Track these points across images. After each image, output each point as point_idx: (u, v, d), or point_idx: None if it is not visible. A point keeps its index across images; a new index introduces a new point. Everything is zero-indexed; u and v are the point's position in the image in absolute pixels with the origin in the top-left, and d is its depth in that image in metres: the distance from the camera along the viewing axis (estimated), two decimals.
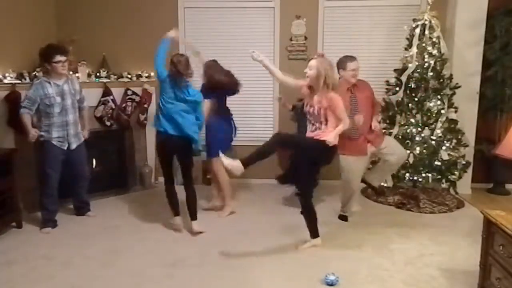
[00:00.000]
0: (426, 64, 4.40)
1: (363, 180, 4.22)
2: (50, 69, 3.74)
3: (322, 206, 4.46)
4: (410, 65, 4.43)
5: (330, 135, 3.18)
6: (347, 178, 3.97)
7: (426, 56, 4.42)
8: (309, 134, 3.37)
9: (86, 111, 4.19)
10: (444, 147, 4.40)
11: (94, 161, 4.88)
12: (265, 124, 5.25)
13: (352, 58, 3.81)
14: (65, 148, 3.87)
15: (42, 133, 3.76)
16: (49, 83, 3.74)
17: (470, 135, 4.82)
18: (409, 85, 4.47)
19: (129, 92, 4.93)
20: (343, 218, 4.12)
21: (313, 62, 3.26)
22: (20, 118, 3.71)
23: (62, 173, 3.91)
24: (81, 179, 4.14)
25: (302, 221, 3.55)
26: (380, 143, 4.00)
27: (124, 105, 4.90)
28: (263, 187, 5.12)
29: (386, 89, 4.75)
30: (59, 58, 3.71)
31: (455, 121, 4.54)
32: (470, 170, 4.80)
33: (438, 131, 4.41)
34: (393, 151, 4.04)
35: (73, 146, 3.93)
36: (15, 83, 4.08)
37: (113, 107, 4.78)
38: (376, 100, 4.11)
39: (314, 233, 3.50)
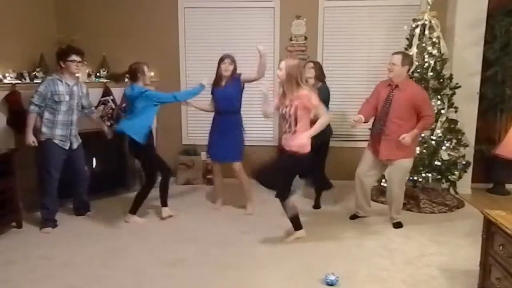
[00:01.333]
0: (426, 64, 4.40)
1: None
2: (64, 67, 3.79)
3: (326, 206, 4.47)
4: None
5: (302, 137, 3.26)
6: (403, 182, 3.89)
7: (426, 56, 4.42)
8: (282, 140, 3.45)
9: (95, 116, 4.33)
10: (444, 147, 4.39)
11: (94, 161, 4.88)
12: (265, 124, 5.24)
13: (394, 53, 3.77)
14: (67, 147, 3.88)
15: (44, 130, 3.77)
16: (61, 81, 3.79)
17: (470, 135, 4.82)
18: None
19: None
20: (399, 225, 3.95)
21: (282, 63, 3.32)
22: (26, 115, 3.74)
23: (62, 173, 3.91)
24: (81, 179, 4.14)
25: (302, 221, 3.55)
26: (386, 156, 3.74)
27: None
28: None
29: None
30: (74, 57, 3.79)
31: (455, 121, 4.54)
32: (470, 170, 4.80)
33: (438, 131, 4.41)
34: (389, 183, 3.92)
35: (75, 146, 3.96)
36: (15, 83, 4.09)
37: (113, 107, 4.78)
38: (426, 113, 3.63)
39: (297, 226, 3.59)
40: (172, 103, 4.11)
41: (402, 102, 3.64)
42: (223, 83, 4.06)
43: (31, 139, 3.73)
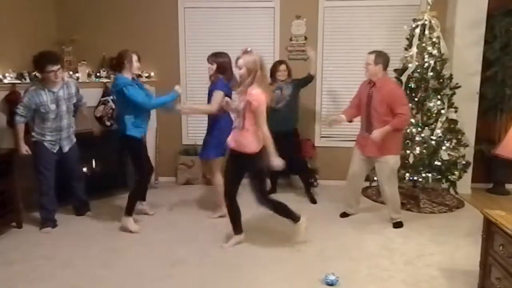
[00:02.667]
0: (426, 64, 4.40)
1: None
2: (43, 78, 3.70)
3: (325, 206, 4.47)
4: (410, 65, 4.42)
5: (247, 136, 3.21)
6: (392, 180, 3.87)
7: (426, 56, 4.41)
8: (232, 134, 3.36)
9: (85, 108, 4.16)
10: (444, 147, 4.39)
11: (94, 161, 4.87)
12: None
13: (369, 52, 3.82)
14: (55, 151, 3.85)
15: (34, 134, 3.75)
16: (44, 90, 3.67)
17: (470, 135, 4.82)
18: (409, 85, 4.47)
19: None
20: (399, 225, 3.96)
21: (240, 61, 3.22)
22: (14, 126, 3.69)
23: (57, 174, 3.90)
24: (76, 179, 4.14)
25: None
26: (371, 152, 3.81)
27: None
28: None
29: None
30: (51, 68, 3.60)
31: (455, 121, 4.53)
32: (470, 170, 4.80)
33: (438, 131, 4.40)
34: (379, 183, 3.98)
35: (66, 149, 3.91)
36: (15, 83, 4.08)
37: (113, 107, 4.77)
38: (398, 111, 3.63)
39: (237, 230, 3.54)
40: (144, 107, 3.75)
41: (379, 99, 3.72)
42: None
43: (24, 149, 3.70)
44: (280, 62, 4.62)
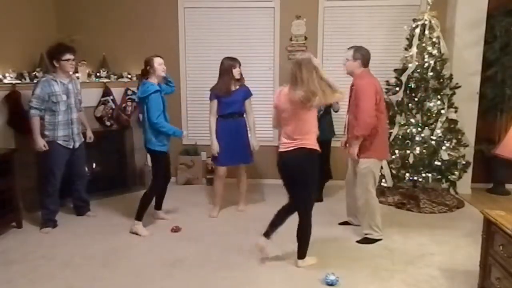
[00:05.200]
0: (426, 64, 4.40)
1: None
2: (58, 66, 3.74)
3: (325, 206, 4.47)
4: (410, 65, 4.43)
5: None
6: (366, 188, 3.49)
7: (426, 56, 4.42)
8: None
9: (83, 113, 4.18)
10: (444, 147, 4.39)
11: (94, 161, 4.88)
12: (265, 124, 5.23)
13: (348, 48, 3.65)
14: (71, 147, 3.88)
15: (47, 133, 3.76)
16: (55, 81, 3.74)
17: (470, 135, 4.82)
18: (409, 85, 4.47)
19: (129, 92, 4.93)
20: (368, 241, 3.57)
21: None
22: (30, 121, 3.67)
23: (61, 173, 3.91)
24: (79, 177, 4.15)
25: None
26: (349, 153, 3.55)
27: (124, 105, 4.90)
28: (265, 188, 5.13)
29: (386, 89, 4.74)
30: (68, 56, 3.73)
31: (455, 121, 4.54)
32: (470, 170, 4.80)
33: (438, 131, 4.41)
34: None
35: (77, 144, 3.95)
36: (15, 83, 4.08)
37: (113, 107, 4.78)
38: (360, 102, 3.39)
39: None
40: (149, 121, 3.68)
41: (353, 96, 3.53)
42: (233, 87, 4.04)
43: (41, 143, 3.69)
44: None
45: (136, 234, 3.76)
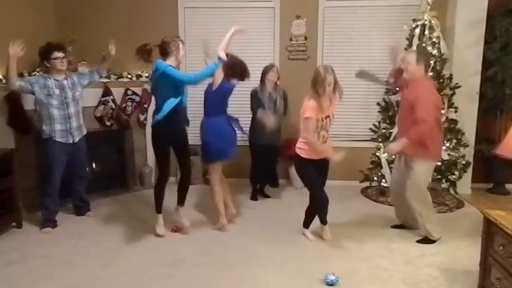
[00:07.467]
0: None
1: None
2: (49, 66, 3.77)
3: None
4: None
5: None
6: (417, 189, 3.47)
7: None
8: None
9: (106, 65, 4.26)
10: (444, 147, 4.39)
11: (94, 161, 4.87)
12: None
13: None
14: (70, 142, 3.87)
15: (44, 128, 3.77)
16: (49, 78, 3.78)
17: (470, 135, 4.82)
18: None
19: (129, 92, 4.94)
20: (427, 241, 3.58)
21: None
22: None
23: (62, 172, 3.91)
24: (80, 178, 4.15)
25: (302, 221, 3.55)
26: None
27: (124, 105, 4.90)
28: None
29: (386, 89, 4.75)
30: (57, 54, 3.75)
31: (455, 121, 4.53)
32: (470, 170, 4.80)
33: None
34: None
35: (76, 139, 3.94)
36: None
37: (113, 107, 4.78)
38: (418, 111, 3.26)
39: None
40: (189, 83, 3.53)
41: (408, 102, 3.42)
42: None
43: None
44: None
45: (154, 231, 3.73)
